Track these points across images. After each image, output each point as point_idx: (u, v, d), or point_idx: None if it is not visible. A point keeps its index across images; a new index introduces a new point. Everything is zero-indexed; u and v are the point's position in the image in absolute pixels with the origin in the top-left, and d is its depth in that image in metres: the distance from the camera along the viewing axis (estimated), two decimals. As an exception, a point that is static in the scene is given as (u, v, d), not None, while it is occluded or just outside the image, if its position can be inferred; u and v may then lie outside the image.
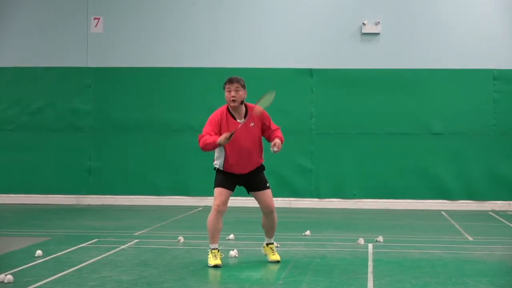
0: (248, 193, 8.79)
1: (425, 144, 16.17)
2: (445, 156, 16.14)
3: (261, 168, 8.70)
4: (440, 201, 16.07)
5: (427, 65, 16.24)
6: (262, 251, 8.97)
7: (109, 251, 9.53)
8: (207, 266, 8.47)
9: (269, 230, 8.81)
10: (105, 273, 8.08)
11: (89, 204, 16.51)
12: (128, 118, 16.68)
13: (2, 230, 11.94)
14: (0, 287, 7.27)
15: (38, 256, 9.03)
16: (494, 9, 16.28)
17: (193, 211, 15.19)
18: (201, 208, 15.72)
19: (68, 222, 13.17)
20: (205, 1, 16.75)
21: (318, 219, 14.02)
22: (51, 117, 16.80)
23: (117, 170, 16.64)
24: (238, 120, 8.48)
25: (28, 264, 8.54)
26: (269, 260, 8.80)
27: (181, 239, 10.55)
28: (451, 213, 15.21)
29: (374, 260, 9.02)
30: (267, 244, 8.88)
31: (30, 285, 7.35)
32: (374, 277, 7.94)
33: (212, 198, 8.55)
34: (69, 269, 8.26)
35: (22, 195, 16.69)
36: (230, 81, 8.51)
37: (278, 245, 9.49)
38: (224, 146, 8.45)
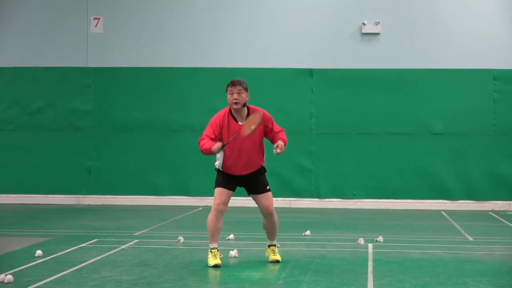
0: (249, 195, 8.79)
1: (425, 144, 16.17)
2: (445, 156, 16.14)
3: (262, 170, 8.68)
4: (440, 201, 16.07)
5: (427, 65, 16.23)
6: (266, 253, 8.99)
7: (109, 251, 9.53)
8: (207, 266, 8.47)
9: (269, 232, 8.81)
10: (105, 273, 8.07)
11: (89, 204, 16.50)
12: (128, 118, 16.67)
13: (2, 230, 11.94)
14: (0, 287, 7.27)
15: (38, 256, 9.03)
16: (494, 9, 16.28)
17: (193, 211, 15.19)
18: (201, 208, 15.71)
19: (68, 222, 13.17)
20: (205, 1, 16.75)
21: (318, 219, 14.02)
22: (51, 117, 16.80)
23: (117, 170, 16.64)
24: (240, 123, 8.47)
25: (28, 264, 8.54)
26: (269, 260, 8.81)
27: (181, 239, 10.55)
28: (451, 213, 15.21)
29: (374, 260, 9.02)
30: (269, 246, 8.90)
31: (30, 285, 7.35)
32: (374, 277, 7.94)
33: (212, 198, 8.55)
34: (69, 269, 8.26)
35: (22, 195, 16.68)
36: (233, 83, 8.51)
37: (279, 245, 9.48)
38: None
